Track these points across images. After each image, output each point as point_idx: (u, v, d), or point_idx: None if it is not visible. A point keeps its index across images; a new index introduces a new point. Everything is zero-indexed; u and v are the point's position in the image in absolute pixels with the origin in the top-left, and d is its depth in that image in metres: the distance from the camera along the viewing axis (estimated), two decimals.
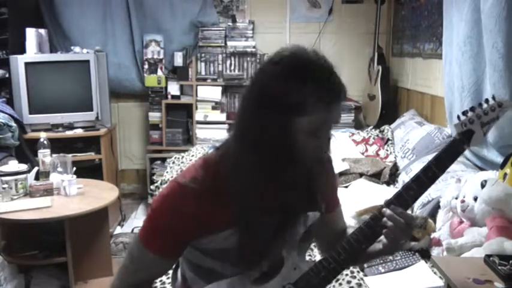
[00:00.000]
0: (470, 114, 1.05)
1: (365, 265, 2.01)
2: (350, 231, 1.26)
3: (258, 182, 1.04)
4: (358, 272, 1.94)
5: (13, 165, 2.74)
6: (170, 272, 1.36)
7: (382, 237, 1.12)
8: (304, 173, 1.08)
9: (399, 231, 1.07)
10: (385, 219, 1.07)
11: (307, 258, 2.01)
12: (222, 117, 4.16)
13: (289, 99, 0.98)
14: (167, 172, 3.54)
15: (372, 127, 3.83)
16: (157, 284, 1.97)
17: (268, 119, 1.00)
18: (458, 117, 1.07)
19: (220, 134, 4.07)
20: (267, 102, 1.00)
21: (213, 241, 1.08)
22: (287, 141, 1.01)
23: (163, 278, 1.98)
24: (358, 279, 1.88)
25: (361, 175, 3.07)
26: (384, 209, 1.07)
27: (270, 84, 1.01)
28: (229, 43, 4.20)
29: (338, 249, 1.09)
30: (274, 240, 1.10)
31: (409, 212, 2.26)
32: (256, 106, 1.03)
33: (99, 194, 2.79)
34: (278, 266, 1.11)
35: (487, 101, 1.06)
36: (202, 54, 4.20)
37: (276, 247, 1.11)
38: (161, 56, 4.19)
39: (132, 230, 3.64)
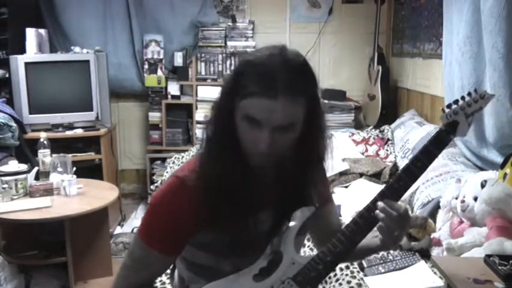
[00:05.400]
0: (454, 106, 1.11)
1: (365, 265, 2.01)
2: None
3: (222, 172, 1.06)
4: (358, 272, 1.93)
5: (13, 165, 2.74)
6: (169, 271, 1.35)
7: (377, 233, 1.13)
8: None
9: (392, 223, 1.08)
10: (377, 211, 1.08)
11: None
12: None
13: (230, 85, 1.11)
14: (167, 172, 3.54)
15: (372, 127, 3.83)
16: (158, 284, 1.97)
17: (219, 109, 1.14)
18: (443, 109, 1.12)
19: None
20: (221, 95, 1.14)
21: (208, 234, 1.09)
22: (231, 126, 1.07)
23: (164, 278, 1.98)
24: (358, 279, 1.88)
25: (361, 175, 3.07)
26: (378, 202, 1.09)
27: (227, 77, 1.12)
28: (229, 43, 4.20)
29: (334, 242, 1.10)
30: (268, 235, 1.12)
31: (409, 212, 2.26)
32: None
33: (99, 194, 2.79)
34: (277, 261, 1.12)
35: (469, 94, 1.11)
36: (202, 54, 4.20)
37: (270, 241, 1.12)
38: (161, 56, 4.19)
39: (132, 230, 3.64)
